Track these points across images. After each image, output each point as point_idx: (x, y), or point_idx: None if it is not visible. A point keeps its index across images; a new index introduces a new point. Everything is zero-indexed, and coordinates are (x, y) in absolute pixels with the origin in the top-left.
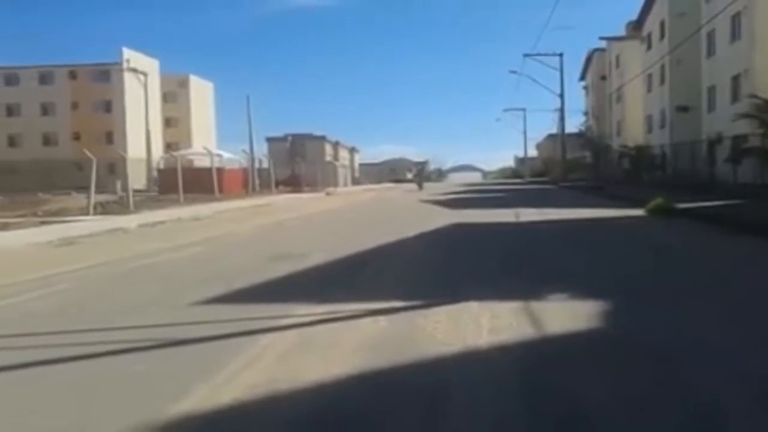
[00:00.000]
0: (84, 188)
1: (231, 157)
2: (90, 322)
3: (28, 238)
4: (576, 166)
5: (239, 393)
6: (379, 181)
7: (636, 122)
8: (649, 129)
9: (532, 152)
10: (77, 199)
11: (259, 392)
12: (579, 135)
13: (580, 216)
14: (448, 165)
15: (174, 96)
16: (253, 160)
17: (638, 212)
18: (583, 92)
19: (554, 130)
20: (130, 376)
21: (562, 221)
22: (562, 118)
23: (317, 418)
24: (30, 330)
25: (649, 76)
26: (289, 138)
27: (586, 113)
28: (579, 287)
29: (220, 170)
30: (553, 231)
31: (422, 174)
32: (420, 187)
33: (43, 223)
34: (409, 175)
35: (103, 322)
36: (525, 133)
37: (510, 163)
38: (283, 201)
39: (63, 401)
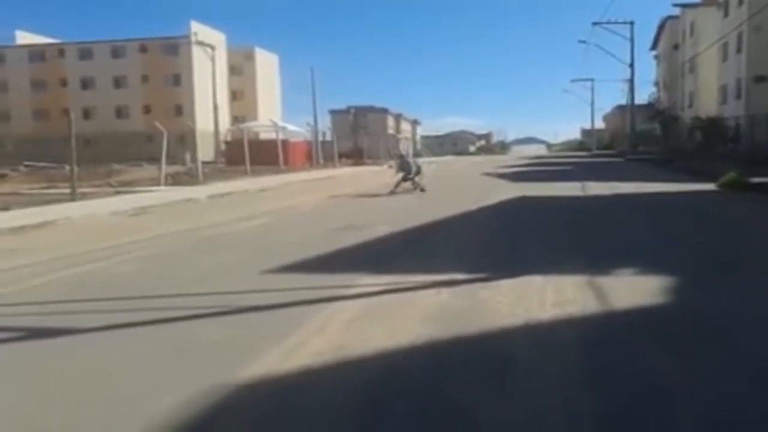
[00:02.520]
0: (155, 160)
1: (295, 129)
2: (167, 288)
3: (105, 207)
4: (644, 139)
5: (308, 359)
6: (442, 154)
7: (709, 93)
8: (723, 100)
9: (599, 124)
10: (148, 170)
11: (327, 358)
12: (648, 106)
13: (649, 190)
14: (511, 137)
15: (240, 69)
16: (316, 132)
17: (709, 186)
18: (654, 62)
19: (623, 102)
20: (204, 340)
21: (630, 195)
22: (631, 89)
23: (384, 384)
24: (113, 294)
25: (725, 44)
26: (352, 110)
27: (656, 84)
28: (646, 262)
29: (285, 143)
30: (620, 205)
31: (406, 158)
32: (408, 172)
33: (117, 193)
34: (472, 149)
35: (179, 288)
36: (592, 104)
37: (576, 135)
38: (345, 173)
39: (142, 362)
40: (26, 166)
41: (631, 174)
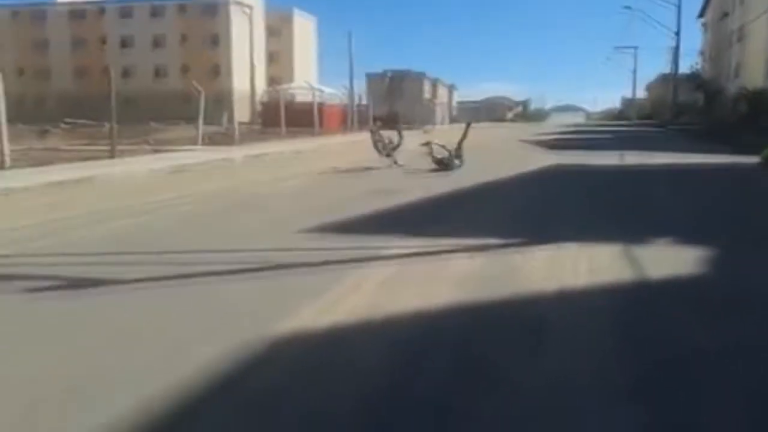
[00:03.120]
0: (192, 120)
1: (331, 92)
2: (204, 244)
3: (143, 165)
4: (686, 110)
5: (341, 317)
6: (478, 121)
7: (757, 64)
8: None
9: (641, 94)
10: (186, 130)
11: (360, 317)
12: (692, 76)
13: (689, 161)
14: (549, 105)
15: (277, 31)
16: (352, 96)
17: (752, 160)
18: (700, 30)
19: (666, 71)
20: (241, 295)
21: (670, 166)
22: (676, 58)
23: (416, 344)
24: (151, 248)
25: None
26: (388, 75)
27: (701, 53)
28: (683, 233)
29: (320, 106)
30: (659, 175)
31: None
32: (385, 148)
33: (155, 151)
34: (509, 116)
35: (215, 244)
36: (635, 72)
37: (616, 104)
38: None
39: (178, 315)
40: (66, 123)
41: (672, 145)
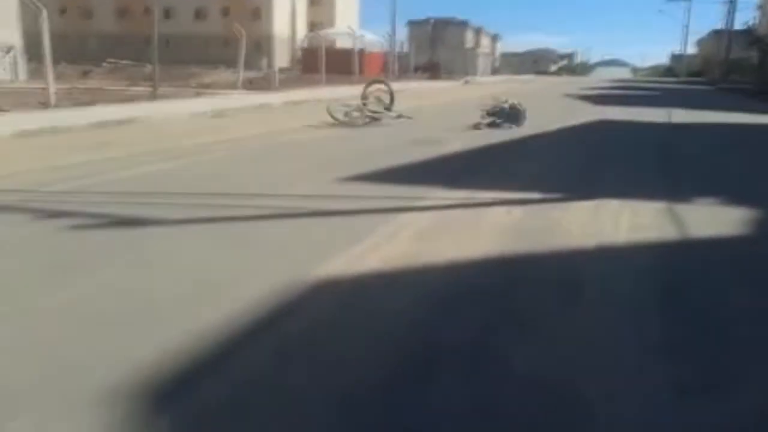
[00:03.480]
0: (231, 64)
1: (373, 39)
2: (243, 188)
3: (184, 108)
4: (738, 68)
5: (377, 264)
6: (521, 72)
7: None
8: None
9: (692, 50)
10: (225, 74)
11: (396, 264)
12: (747, 33)
13: (738, 121)
14: (595, 59)
15: None
16: (394, 43)
17: None
18: None
19: (720, 26)
20: (279, 240)
21: (718, 125)
22: (731, 11)
23: (450, 293)
24: (192, 190)
25: None
26: (431, 22)
27: (759, 8)
28: (730, 193)
29: (361, 52)
30: (706, 134)
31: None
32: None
33: (197, 94)
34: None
35: (255, 189)
36: (687, 26)
37: (664, 60)
38: (420, 87)
39: (219, 256)
40: (108, 63)
41: (722, 103)
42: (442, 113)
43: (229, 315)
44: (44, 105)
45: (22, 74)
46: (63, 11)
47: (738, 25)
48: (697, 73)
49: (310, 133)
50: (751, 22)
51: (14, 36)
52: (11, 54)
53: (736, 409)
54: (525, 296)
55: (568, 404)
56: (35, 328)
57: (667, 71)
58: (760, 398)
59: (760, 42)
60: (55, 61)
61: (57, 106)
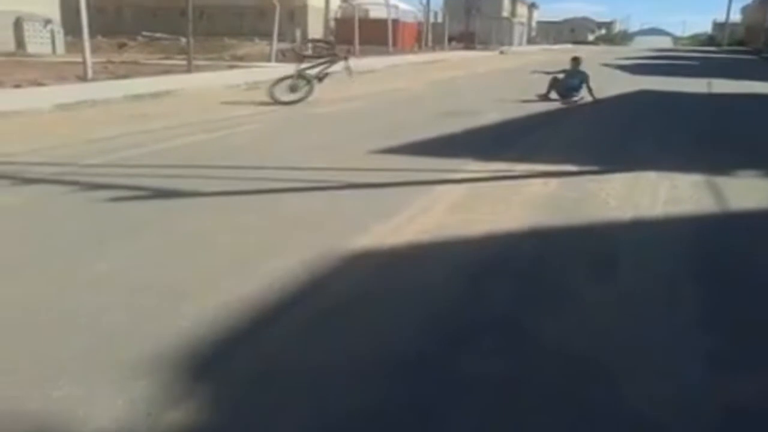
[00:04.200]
0: (266, 36)
1: (406, 9)
2: (279, 161)
3: (219, 81)
4: None
5: (413, 236)
6: (557, 42)
7: None
8: None
9: (735, 17)
10: (260, 46)
11: (432, 237)
12: None
13: None
14: (634, 28)
15: None
16: (428, 13)
17: None
18: None
19: None
20: (313, 212)
21: (761, 96)
22: None
23: (486, 267)
24: (228, 162)
25: None
26: None
27: None
28: None
29: (395, 23)
30: (748, 105)
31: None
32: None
33: (231, 67)
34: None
35: (290, 161)
36: None
37: (706, 28)
38: (455, 58)
39: (254, 229)
40: (144, 36)
41: (765, 73)
42: (473, 87)
43: (263, 288)
44: (81, 78)
45: (60, 47)
46: None
47: None
48: (741, 42)
49: (345, 105)
50: None
51: (53, 9)
52: (49, 27)
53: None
54: (560, 269)
55: (594, 378)
56: (76, 298)
57: (709, 40)
58: None
59: None
60: (92, 34)
61: (94, 79)
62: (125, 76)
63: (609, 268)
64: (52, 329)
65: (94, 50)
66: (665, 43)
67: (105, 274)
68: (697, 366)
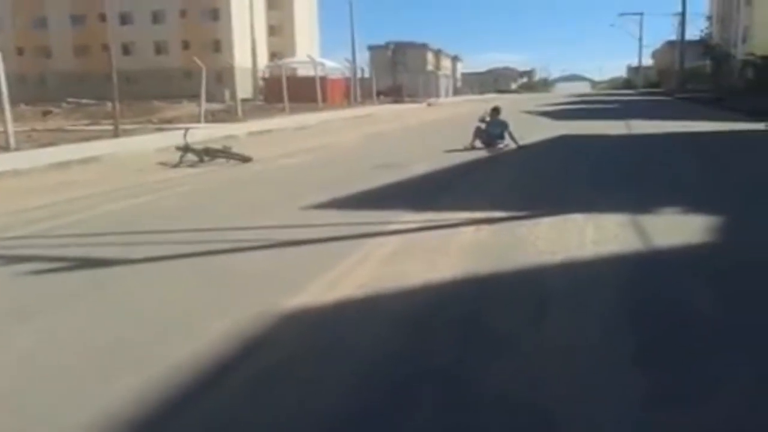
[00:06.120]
0: (194, 97)
1: (334, 65)
2: (211, 221)
3: (149, 144)
4: (694, 77)
5: (349, 291)
6: (482, 92)
7: (765, 29)
8: None
9: (647, 61)
10: (188, 108)
11: (367, 291)
12: (700, 42)
13: (697, 129)
14: (554, 75)
15: (278, 4)
16: (355, 69)
17: (760, 126)
18: None
19: (673, 37)
20: (247, 272)
21: (677, 134)
22: (682, 22)
23: (423, 317)
24: (158, 227)
25: None
26: (391, 46)
27: (709, 18)
28: (692, 201)
29: (323, 79)
30: (666, 144)
31: None
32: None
33: (158, 130)
34: (514, 86)
35: (221, 222)
36: (641, 39)
37: (621, 72)
38: (384, 111)
39: (188, 292)
40: (69, 102)
41: (679, 113)
42: (403, 139)
43: (196, 353)
44: (4, 148)
45: None
46: (20, 52)
47: (689, 36)
48: (655, 84)
49: (276, 163)
50: (703, 33)
51: None
52: None
53: (703, 417)
54: (493, 315)
55: (540, 424)
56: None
57: (626, 83)
58: (731, 410)
59: (713, 51)
60: (14, 103)
61: (17, 149)
62: (50, 144)
63: (542, 313)
64: None
65: (17, 119)
66: (584, 88)
67: (26, 351)
68: (635, 405)
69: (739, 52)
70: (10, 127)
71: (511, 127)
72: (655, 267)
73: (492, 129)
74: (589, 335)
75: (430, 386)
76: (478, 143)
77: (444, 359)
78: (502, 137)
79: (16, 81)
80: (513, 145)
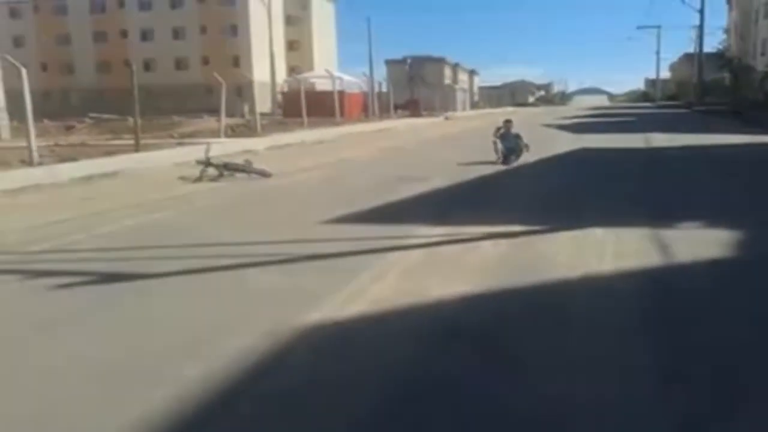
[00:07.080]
0: (214, 111)
1: (351, 80)
2: (229, 236)
3: (168, 158)
4: (712, 89)
5: (366, 306)
6: (500, 105)
7: None
8: None
9: (665, 74)
10: (208, 122)
11: (385, 306)
12: (718, 55)
13: (715, 142)
14: (572, 88)
15: (296, 19)
16: (372, 83)
17: None
18: (725, 7)
19: (691, 50)
20: (266, 287)
21: (696, 147)
22: (700, 35)
23: (441, 332)
24: (178, 241)
25: None
26: (408, 61)
27: (726, 31)
28: (712, 215)
29: (341, 94)
30: (685, 157)
31: None
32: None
33: (179, 144)
34: (531, 100)
35: (240, 237)
36: (658, 52)
37: (639, 85)
38: (402, 125)
39: (206, 307)
40: (91, 118)
41: (697, 126)
42: (421, 153)
43: (213, 369)
44: (27, 163)
45: (6, 133)
46: (44, 68)
47: (707, 49)
48: (673, 97)
49: (295, 177)
50: (721, 45)
51: None
52: None
53: None
54: (513, 331)
55: None
56: (22, 391)
57: (643, 96)
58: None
59: (731, 63)
60: (37, 118)
61: (40, 163)
62: (73, 159)
63: (561, 331)
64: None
65: (41, 134)
66: (602, 101)
67: (49, 366)
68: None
69: (759, 65)
70: (34, 143)
71: (525, 140)
72: (674, 280)
73: (506, 143)
74: (605, 354)
75: (441, 405)
76: (495, 157)
77: (457, 377)
78: (515, 150)
79: (40, 97)
80: (530, 159)
